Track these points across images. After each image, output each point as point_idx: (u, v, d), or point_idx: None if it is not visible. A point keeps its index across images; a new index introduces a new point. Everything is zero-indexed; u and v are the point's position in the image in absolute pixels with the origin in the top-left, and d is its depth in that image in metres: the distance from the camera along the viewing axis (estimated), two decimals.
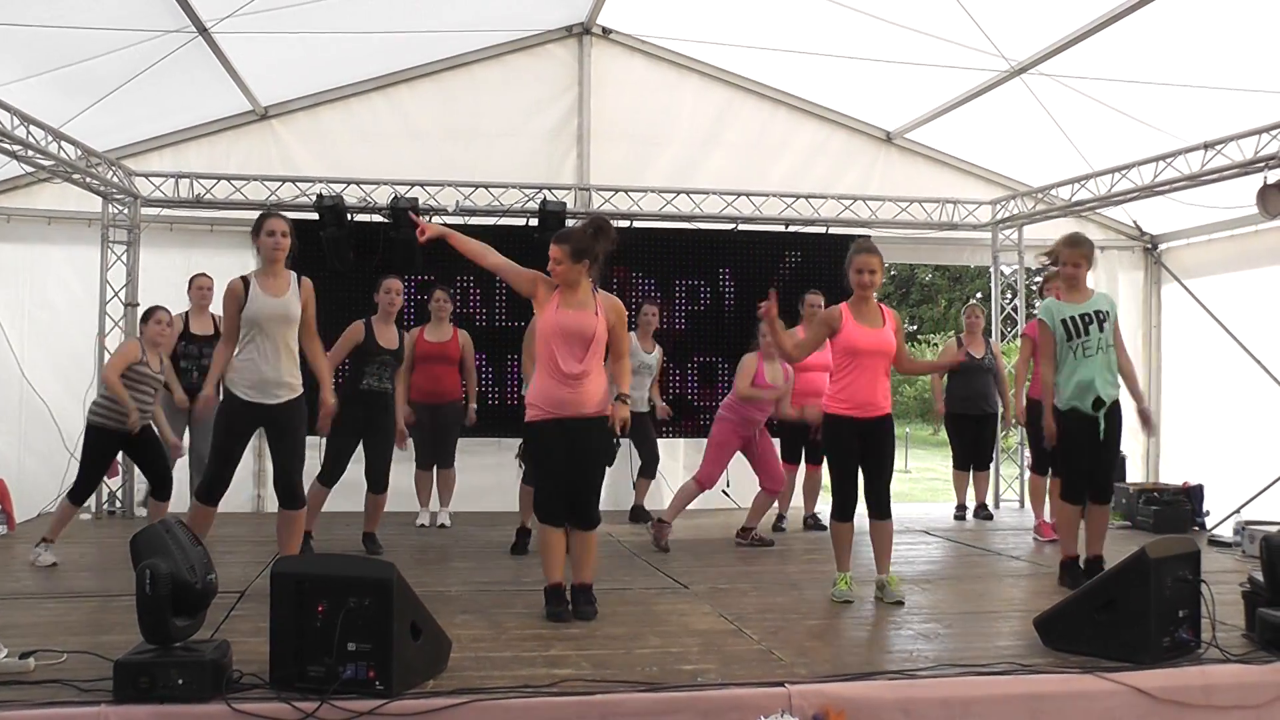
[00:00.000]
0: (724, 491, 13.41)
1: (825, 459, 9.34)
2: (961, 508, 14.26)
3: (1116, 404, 9.26)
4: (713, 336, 14.71)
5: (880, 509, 8.85)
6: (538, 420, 7.97)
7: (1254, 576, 7.40)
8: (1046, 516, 12.12)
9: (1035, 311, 9.74)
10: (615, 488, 13.83)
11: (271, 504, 13.57)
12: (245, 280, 8.49)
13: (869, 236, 15.15)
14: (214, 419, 8.70)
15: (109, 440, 10.37)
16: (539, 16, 14.71)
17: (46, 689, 5.78)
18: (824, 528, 12.37)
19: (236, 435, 8.60)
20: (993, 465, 15.05)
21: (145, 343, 10.51)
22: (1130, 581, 6.75)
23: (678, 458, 15.16)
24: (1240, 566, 10.09)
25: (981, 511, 14.25)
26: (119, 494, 13.54)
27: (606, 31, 15.18)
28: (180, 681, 5.57)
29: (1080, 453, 9.27)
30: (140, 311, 11.21)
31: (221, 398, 8.70)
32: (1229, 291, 14.62)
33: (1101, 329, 9.15)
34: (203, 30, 11.71)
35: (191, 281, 12.58)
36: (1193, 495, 13.19)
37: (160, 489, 10.56)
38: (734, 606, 8.44)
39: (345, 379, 11.01)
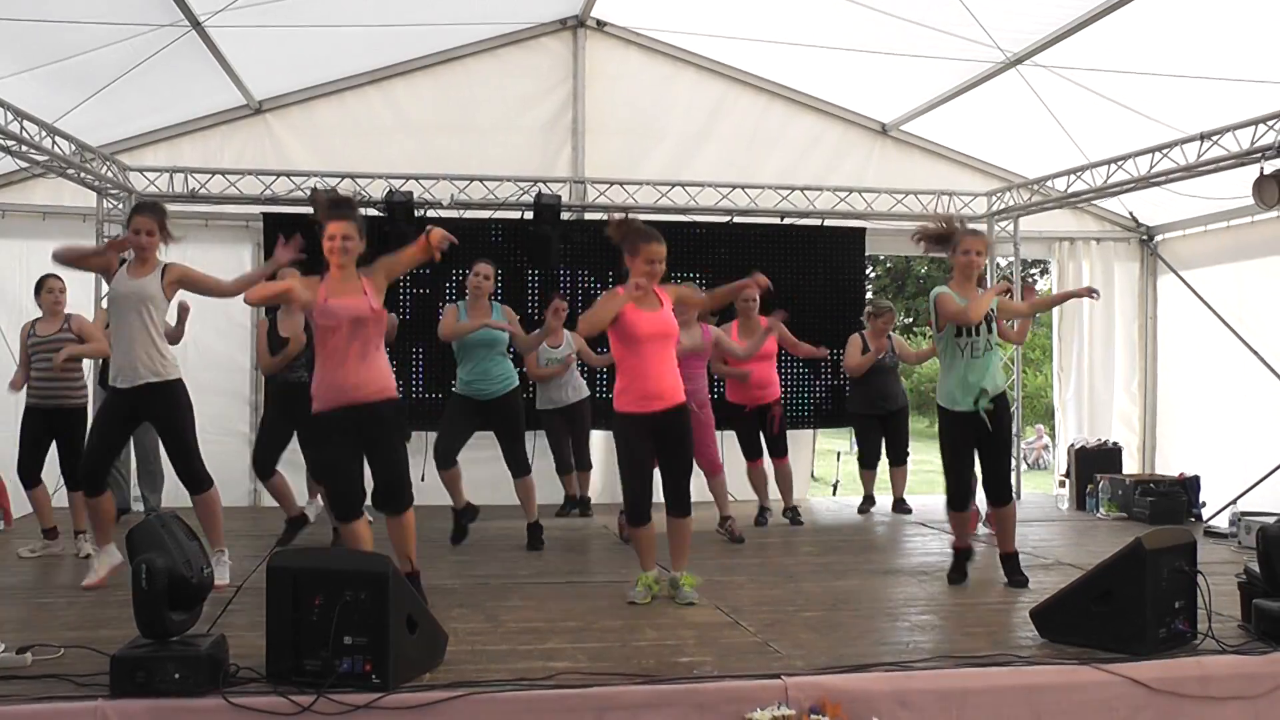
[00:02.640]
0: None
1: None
2: (869, 499, 14.18)
3: (1004, 397, 9.09)
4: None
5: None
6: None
7: (1250, 568, 7.41)
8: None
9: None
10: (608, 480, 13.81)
11: (268, 498, 13.66)
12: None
13: (863, 229, 15.25)
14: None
15: (37, 420, 10.68)
16: (533, 9, 14.69)
17: (43, 683, 5.79)
18: (802, 521, 12.39)
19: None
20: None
21: (42, 314, 10.87)
22: (1126, 573, 6.76)
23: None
24: (1236, 558, 10.10)
25: (900, 506, 13.95)
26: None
27: (601, 24, 15.16)
28: (177, 676, 5.57)
29: (964, 455, 9.09)
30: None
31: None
32: (1225, 283, 14.61)
33: (990, 329, 8.93)
34: (196, 24, 11.69)
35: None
36: (1189, 486, 13.21)
37: (71, 478, 10.56)
38: (730, 599, 8.46)
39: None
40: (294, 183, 13.93)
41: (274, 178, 13.96)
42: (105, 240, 10.46)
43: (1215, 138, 11.53)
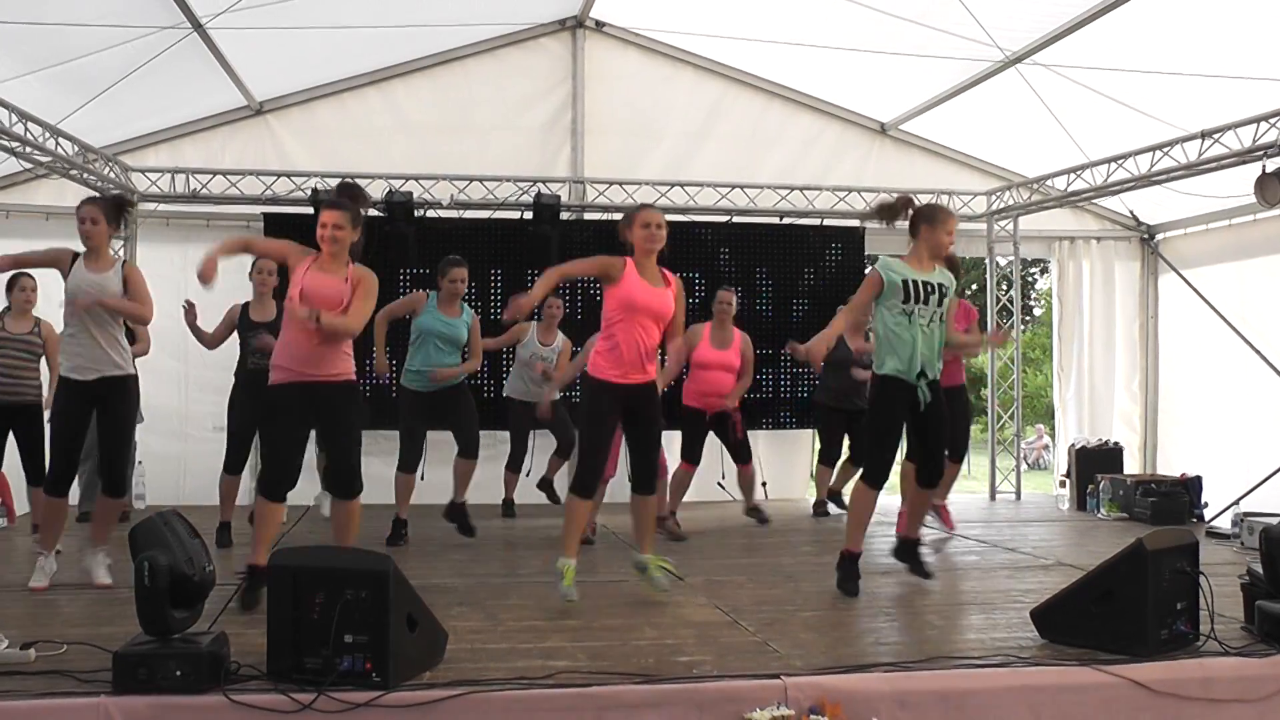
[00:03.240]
0: (719, 484, 13.46)
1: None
2: (821, 502, 13.86)
3: (938, 383, 8.74)
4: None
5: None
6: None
7: (1253, 569, 7.39)
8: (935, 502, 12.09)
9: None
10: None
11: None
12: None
13: (862, 229, 15.25)
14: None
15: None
16: (532, 10, 14.70)
17: (46, 679, 5.79)
18: (768, 520, 12.32)
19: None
20: (989, 457, 15.03)
21: (11, 311, 11.00)
22: (1128, 573, 6.75)
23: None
24: (1239, 559, 10.09)
25: (836, 499, 13.56)
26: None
27: (600, 25, 15.17)
28: (178, 673, 5.58)
29: (894, 425, 8.74)
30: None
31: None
32: (1227, 281, 14.62)
33: (940, 303, 8.63)
34: (198, 26, 11.71)
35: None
36: (1191, 487, 13.21)
37: (32, 473, 10.76)
38: (730, 598, 8.45)
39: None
40: (294, 183, 13.98)
41: (275, 178, 14.01)
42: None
43: (1216, 136, 11.54)
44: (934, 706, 6.12)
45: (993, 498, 15.50)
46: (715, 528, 12.14)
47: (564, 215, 14.52)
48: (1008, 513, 14.04)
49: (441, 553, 10.39)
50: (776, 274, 15.01)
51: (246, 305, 10.96)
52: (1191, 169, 12.04)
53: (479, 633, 7.23)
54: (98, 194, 9.77)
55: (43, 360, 10.97)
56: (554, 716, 5.77)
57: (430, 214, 14.16)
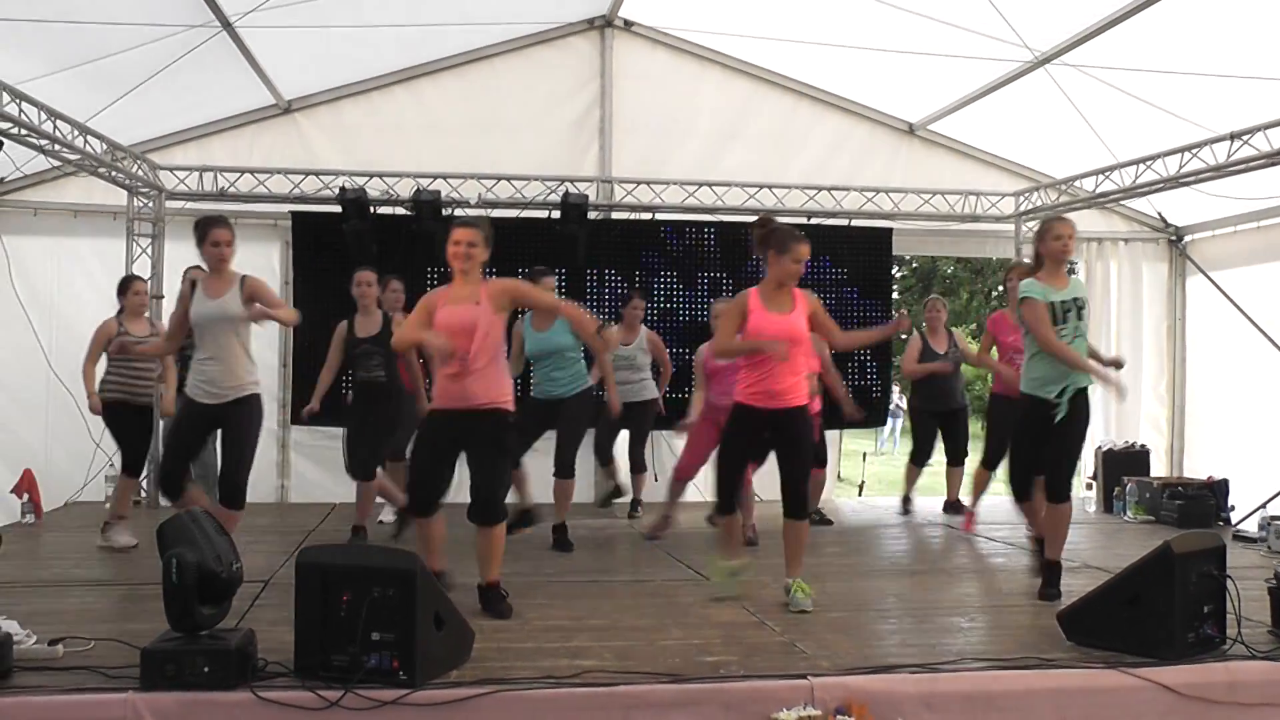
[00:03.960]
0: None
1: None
2: (907, 499, 14.10)
3: (1084, 393, 8.97)
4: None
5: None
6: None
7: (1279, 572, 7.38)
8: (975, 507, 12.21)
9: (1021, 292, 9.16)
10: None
11: (296, 494, 13.71)
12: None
13: (890, 229, 15.24)
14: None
15: (118, 412, 10.83)
16: (561, 9, 14.72)
17: (74, 675, 5.84)
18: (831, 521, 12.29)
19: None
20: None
21: (127, 314, 10.92)
22: (1155, 576, 6.74)
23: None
24: (1266, 562, 10.06)
25: (954, 508, 13.65)
26: (144, 484, 13.58)
27: (628, 24, 15.17)
28: (206, 669, 5.61)
29: (1030, 442, 8.92)
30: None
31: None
32: (1255, 284, 14.55)
33: (1080, 317, 8.85)
34: (227, 25, 11.74)
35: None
36: (1218, 490, 13.15)
37: (130, 466, 10.87)
38: (756, 599, 8.45)
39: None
40: (322, 182, 14.01)
41: (302, 177, 14.05)
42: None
43: (1245, 137, 11.50)
44: (960, 708, 6.12)
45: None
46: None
47: (591, 214, 14.51)
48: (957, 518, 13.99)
49: (468, 552, 10.38)
50: (804, 275, 14.96)
51: (351, 321, 10.98)
52: (1220, 170, 12.01)
53: (506, 632, 7.24)
54: (217, 214, 9.72)
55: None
56: (581, 716, 5.79)
57: (458, 213, 14.16)
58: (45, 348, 13.40)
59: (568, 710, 5.78)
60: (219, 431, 9.18)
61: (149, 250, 13.78)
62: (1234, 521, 12.80)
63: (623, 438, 13.12)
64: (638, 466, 13.51)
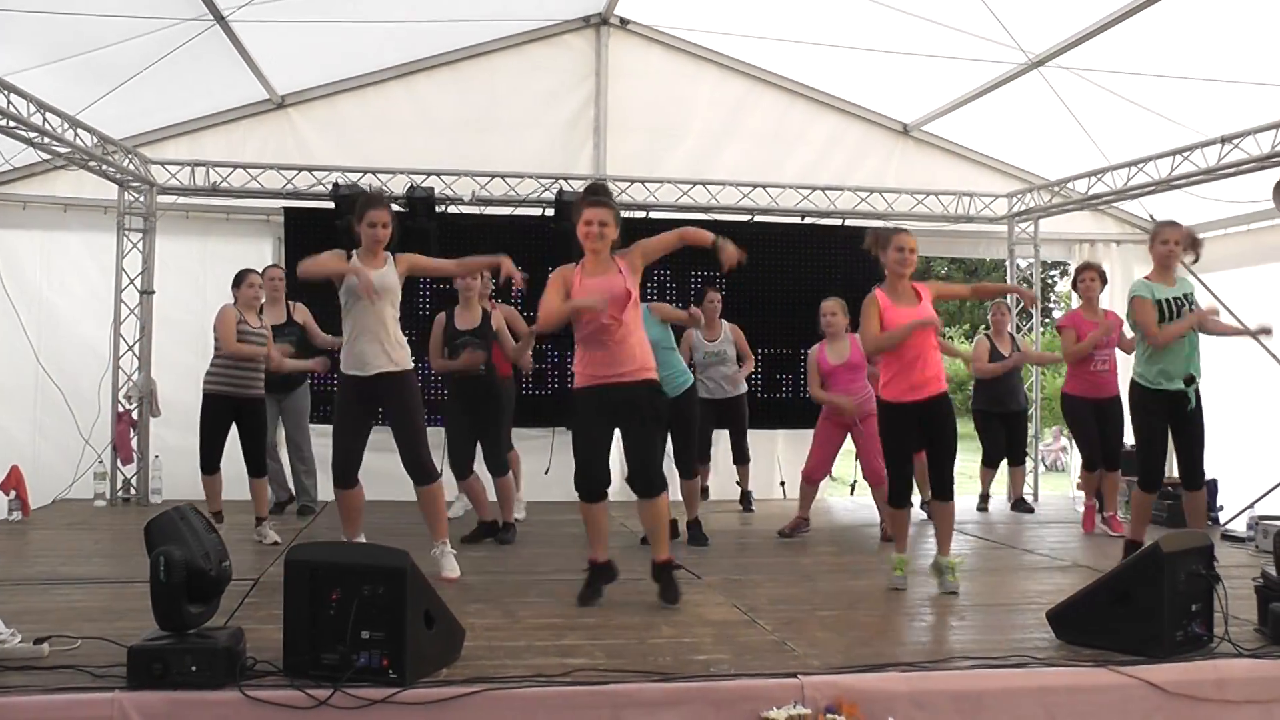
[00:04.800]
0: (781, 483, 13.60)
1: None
2: (985, 497, 14.29)
3: (1197, 386, 9.44)
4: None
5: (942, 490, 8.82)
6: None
7: (1267, 572, 7.37)
8: (1104, 514, 12.24)
9: (1132, 290, 9.85)
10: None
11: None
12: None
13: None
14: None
15: (221, 406, 10.65)
16: (557, 7, 14.72)
17: (60, 675, 5.79)
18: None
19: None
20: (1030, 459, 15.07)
21: (240, 306, 10.73)
22: (1143, 575, 6.74)
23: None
24: (1254, 561, 10.06)
25: (1020, 505, 14.27)
26: (133, 481, 13.58)
27: (624, 22, 15.18)
28: (194, 668, 5.58)
29: (1160, 436, 9.48)
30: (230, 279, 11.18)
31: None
32: (1245, 286, 14.55)
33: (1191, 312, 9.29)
34: (220, 18, 11.74)
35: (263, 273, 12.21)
36: (1207, 490, 13.15)
37: (253, 465, 10.76)
38: (747, 597, 8.44)
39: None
40: (315, 177, 14.01)
41: (296, 172, 14.04)
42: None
43: (1236, 141, 11.53)
44: (950, 707, 6.11)
45: (1037, 499, 15.45)
46: (733, 528, 12.13)
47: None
48: (1025, 516, 13.98)
49: (460, 550, 10.39)
50: (797, 274, 14.99)
51: (451, 313, 10.98)
52: (1211, 174, 12.05)
53: (496, 630, 7.22)
54: (381, 195, 9.72)
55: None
56: (571, 714, 5.77)
57: (452, 210, 14.17)
58: (34, 343, 13.39)
59: (558, 709, 5.77)
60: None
61: (140, 245, 13.74)
62: (1223, 521, 12.80)
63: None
64: (743, 458, 13.66)
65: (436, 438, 10.66)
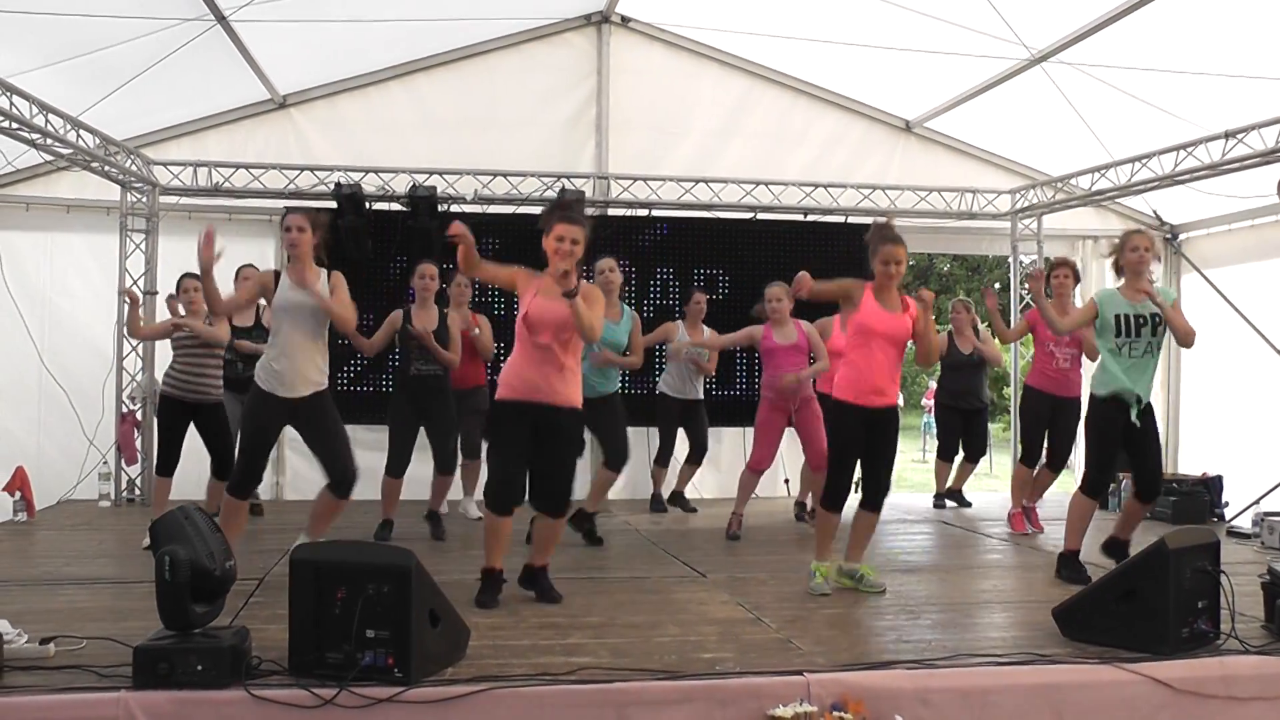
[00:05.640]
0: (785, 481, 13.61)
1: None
2: (940, 496, 14.45)
3: (1149, 406, 9.19)
4: (732, 325, 14.45)
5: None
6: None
7: (1273, 568, 7.37)
8: (1025, 504, 12.20)
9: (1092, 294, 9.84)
10: (634, 475, 13.77)
11: (291, 492, 13.69)
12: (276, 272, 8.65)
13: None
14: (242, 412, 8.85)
15: (175, 409, 10.64)
16: (558, 5, 14.70)
17: (66, 674, 5.81)
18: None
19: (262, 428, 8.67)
20: (1011, 455, 15.06)
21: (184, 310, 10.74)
22: (1149, 572, 6.74)
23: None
24: (1259, 558, 10.09)
25: (956, 496, 14.38)
26: (138, 481, 13.58)
27: (625, 20, 15.16)
28: (199, 668, 5.59)
29: (1109, 443, 9.19)
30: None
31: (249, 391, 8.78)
32: (1249, 281, 14.58)
33: (1154, 333, 9.08)
34: (221, 19, 11.72)
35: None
36: (1212, 486, 13.17)
37: (220, 468, 10.67)
38: (752, 595, 8.45)
39: (396, 367, 11.52)
40: (318, 177, 14.00)
41: (298, 172, 14.03)
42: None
43: (1240, 136, 11.51)
44: (956, 704, 6.11)
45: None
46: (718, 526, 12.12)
47: (588, 211, 14.45)
48: (963, 508, 14.05)
49: (464, 548, 10.39)
50: (800, 270, 14.94)
51: (408, 310, 10.94)
52: (1215, 169, 12.02)
53: (501, 629, 7.22)
54: (301, 204, 9.70)
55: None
56: (576, 713, 5.77)
57: (454, 209, 14.14)
58: (38, 344, 13.39)
59: (563, 707, 5.77)
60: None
61: (143, 246, 13.74)
62: (1228, 518, 12.80)
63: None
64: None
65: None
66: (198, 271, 8.72)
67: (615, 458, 10.76)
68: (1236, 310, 14.56)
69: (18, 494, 11.96)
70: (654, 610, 7.89)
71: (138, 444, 13.44)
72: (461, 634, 6.44)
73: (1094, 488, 9.36)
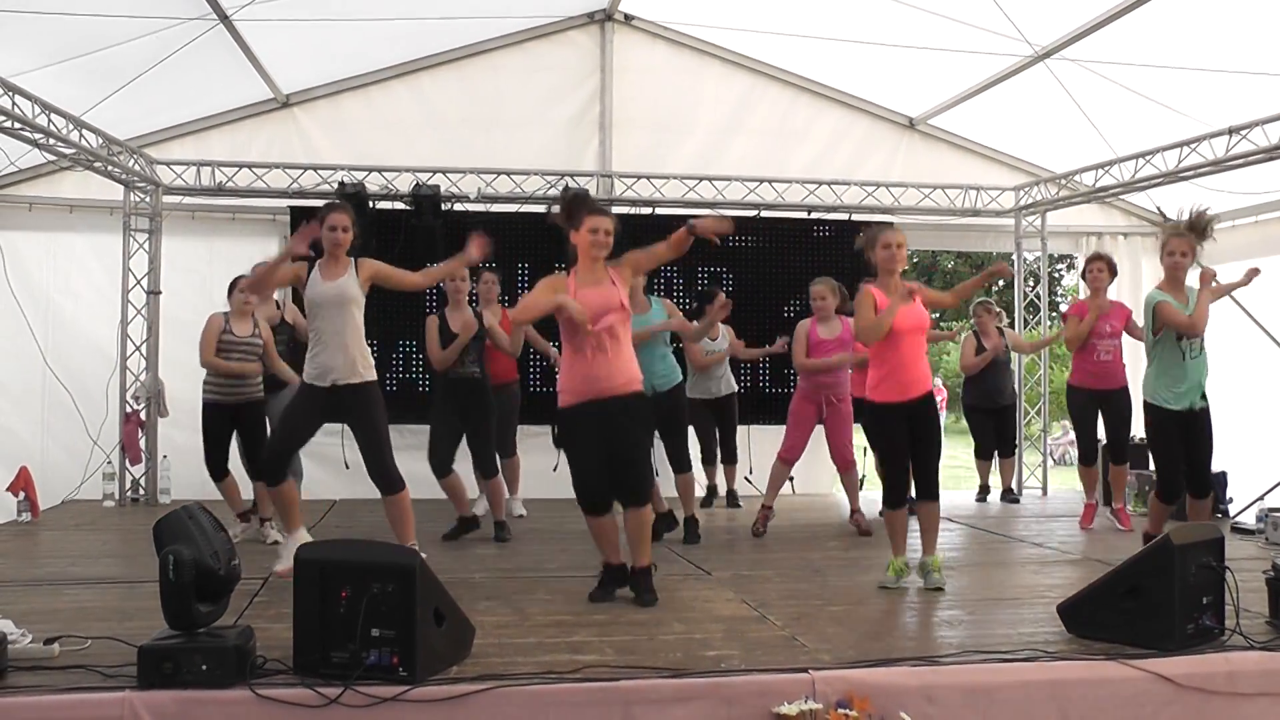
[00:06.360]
0: (746, 477, 13.50)
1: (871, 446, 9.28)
2: (984, 489, 14.75)
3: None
4: (737, 323, 14.49)
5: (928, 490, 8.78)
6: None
7: (1278, 563, 7.36)
8: (1112, 505, 12.30)
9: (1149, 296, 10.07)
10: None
11: (300, 492, 13.71)
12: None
13: (892, 223, 15.23)
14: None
15: (219, 415, 10.76)
16: (561, 3, 14.70)
17: (71, 675, 5.80)
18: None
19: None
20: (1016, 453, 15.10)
21: (233, 313, 10.78)
22: (1154, 568, 6.74)
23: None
24: (1264, 554, 10.08)
25: (1008, 496, 14.61)
26: (142, 481, 13.58)
27: (628, 18, 15.15)
28: (204, 667, 5.58)
29: (1176, 448, 9.48)
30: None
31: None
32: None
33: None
34: (224, 18, 11.72)
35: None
36: (1216, 482, 13.15)
37: (253, 468, 10.79)
38: (757, 593, 8.44)
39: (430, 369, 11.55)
40: (321, 176, 13.98)
41: (301, 171, 14.02)
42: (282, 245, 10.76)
43: (1244, 132, 11.50)
44: (961, 701, 6.11)
45: (1020, 493, 15.44)
46: (743, 522, 12.10)
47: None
48: (1034, 508, 14.03)
49: (468, 547, 10.40)
50: (804, 268, 14.95)
51: (443, 315, 10.95)
52: (1219, 165, 12.01)
53: (506, 627, 7.22)
54: (338, 199, 9.75)
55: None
56: (581, 711, 5.76)
57: (457, 207, 14.14)
58: (41, 344, 13.39)
59: (569, 705, 5.76)
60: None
61: (146, 245, 13.74)
62: (1232, 514, 12.79)
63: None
64: (731, 458, 13.77)
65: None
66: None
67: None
68: (1240, 306, 14.49)
69: (22, 494, 11.96)
70: (659, 608, 7.89)
71: (142, 444, 13.43)
72: (467, 633, 6.43)
73: (1171, 492, 9.63)
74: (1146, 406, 9.64)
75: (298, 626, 5.88)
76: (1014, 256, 16.39)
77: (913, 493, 8.79)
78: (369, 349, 8.81)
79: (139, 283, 13.54)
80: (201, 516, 6.08)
